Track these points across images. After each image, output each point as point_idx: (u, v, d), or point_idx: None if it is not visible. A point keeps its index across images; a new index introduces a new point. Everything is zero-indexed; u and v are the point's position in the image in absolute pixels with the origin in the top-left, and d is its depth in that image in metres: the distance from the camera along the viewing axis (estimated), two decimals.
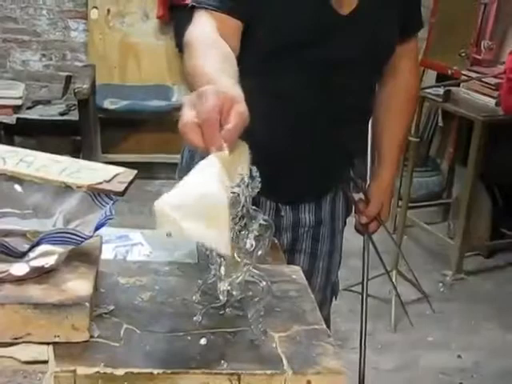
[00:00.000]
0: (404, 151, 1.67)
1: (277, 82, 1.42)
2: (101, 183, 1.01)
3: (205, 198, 0.84)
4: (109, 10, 4.30)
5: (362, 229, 1.75)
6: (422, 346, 2.90)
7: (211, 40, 1.24)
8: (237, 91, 0.97)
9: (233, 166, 0.93)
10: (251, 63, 1.35)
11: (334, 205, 1.67)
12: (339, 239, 1.72)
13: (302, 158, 1.51)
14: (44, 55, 4.42)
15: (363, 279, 1.85)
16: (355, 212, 1.75)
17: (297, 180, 1.54)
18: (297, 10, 1.39)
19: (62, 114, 4.08)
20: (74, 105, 4.00)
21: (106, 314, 0.97)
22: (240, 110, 0.91)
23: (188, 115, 0.89)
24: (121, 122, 4.24)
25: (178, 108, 4.20)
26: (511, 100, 1.80)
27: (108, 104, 4.17)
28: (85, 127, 3.92)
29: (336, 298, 1.80)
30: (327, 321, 1.73)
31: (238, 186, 0.91)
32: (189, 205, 0.83)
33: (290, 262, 1.53)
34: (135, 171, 1.06)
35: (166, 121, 4.08)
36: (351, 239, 1.83)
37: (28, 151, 1.08)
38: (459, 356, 2.85)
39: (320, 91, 1.43)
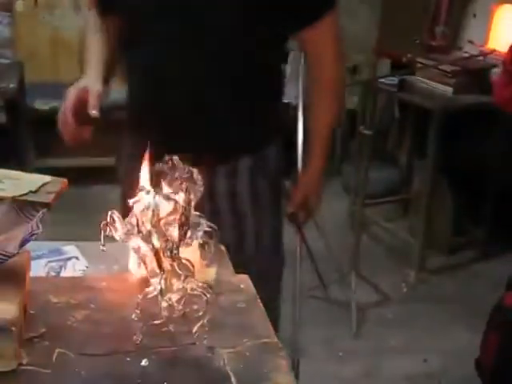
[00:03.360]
0: (331, 141, 1.82)
1: (150, 54, 1.64)
2: (26, 194, 0.98)
3: None
4: (36, 2, 4.23)
5: (291, 218, 1.84)
6: (385, 352, 2.93)
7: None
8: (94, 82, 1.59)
9: None
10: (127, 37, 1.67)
11: (251, 176, 1.67)
12: (267, 207, 1.72)
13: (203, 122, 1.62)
14: None
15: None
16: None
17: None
18: None
19: None
20: (2, 106, 3.92)
21: (36, 337, 0.95)
22: (91, 102, 1.53)
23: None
24: (55, 123, 4.16)
25: (118, 107, 4.15)
26: (506, 94, 1.85)
27: (40, 104, 4.10)
28: (14, 130, 3.85)
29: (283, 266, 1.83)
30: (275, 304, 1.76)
31: (176, 193, 0.91)
32: None
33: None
34: (64, 180, 1.04)
35: (105, 121, 4.01)
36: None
37: None
38: (425, 360, 2.89)
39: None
